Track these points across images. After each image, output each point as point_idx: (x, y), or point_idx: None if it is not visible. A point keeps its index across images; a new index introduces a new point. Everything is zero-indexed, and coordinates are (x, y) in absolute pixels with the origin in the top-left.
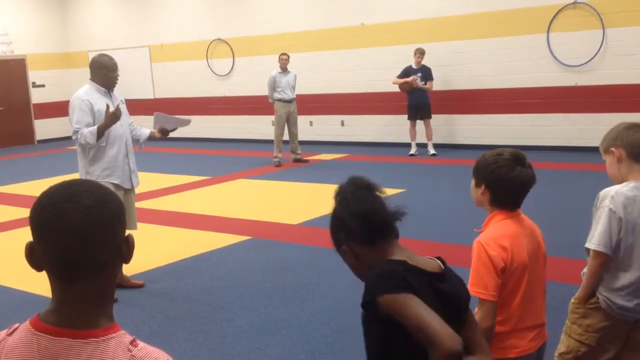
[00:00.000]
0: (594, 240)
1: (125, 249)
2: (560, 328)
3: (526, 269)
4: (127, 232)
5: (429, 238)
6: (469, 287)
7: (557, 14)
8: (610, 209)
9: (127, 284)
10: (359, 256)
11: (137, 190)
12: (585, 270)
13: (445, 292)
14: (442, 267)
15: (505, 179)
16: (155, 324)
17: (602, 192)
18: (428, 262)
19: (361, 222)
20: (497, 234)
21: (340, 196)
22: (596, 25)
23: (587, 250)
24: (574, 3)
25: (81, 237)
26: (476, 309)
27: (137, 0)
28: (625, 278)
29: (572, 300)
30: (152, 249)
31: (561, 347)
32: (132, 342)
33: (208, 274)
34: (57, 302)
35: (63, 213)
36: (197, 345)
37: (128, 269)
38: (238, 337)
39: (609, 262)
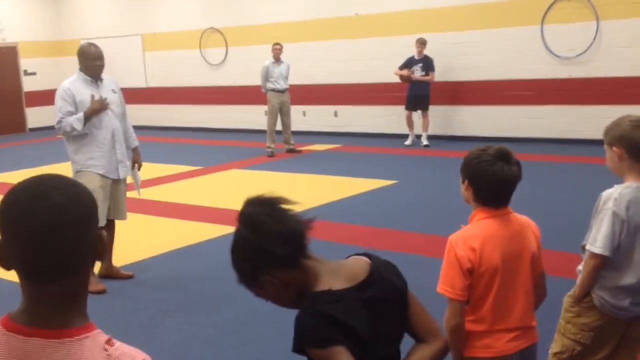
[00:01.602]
0: (598, 244)
1: (99, 247)
2: (552, 322)
3: (497, 272)
4: (117, 221)
5: (419, 230)
6: (438, 284)
7: (551, 5)
8: (614, 212)
9: (116, 275)
10: (289, 282)
11: (128, 180)
12: (580, 267)
13: (376, 298)
14: (369, 266)
15: (485, 174)
16: (145, 316)
17: (605, 194)
18: (353, 270)
19: (285, 244)
20: (469, 234)
21: (248, 221)
22: (590, 17)
23: (583, 247)
24: None
25: (52, 236)
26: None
27: None
28: (621, 278)
29: (566, 298)
30: (142, 239)
31: (555, 347)
32: (107, 342)
33: (199, 265)
34: (28, 302)
35: (33, 211)
36: (188, 337)
37: (117, 260)
38: (230, 328)
39: (607, 263)
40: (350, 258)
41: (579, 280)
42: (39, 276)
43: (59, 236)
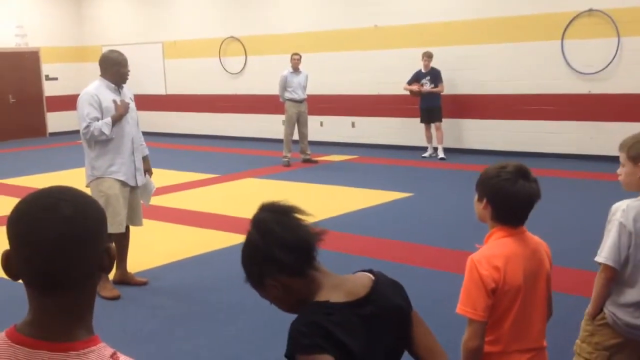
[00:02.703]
0: (603, 254)
1: (107, 260)
2: (568, 341)
3: (520, 292)
4: (132, 228)
5: (434, 244)
6: (458, 305)
7: (572, 20)
8: (621, 223)
9: (131, 281)
10: (292, 289)
11: None
12: None
13: (373, 315)
14: (371, 282)
15: (507, 193)
16: (157, 323)
17: (614, 206)
18: (355, 285)
19: (292, 253)
20: (491, 253)
21: (260, 226)
22: (611, 34)
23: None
24: (589, 10)
25: (60, 249)
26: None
27: None
28: (632, 294)
29: (584, 316)
30: (157, 246)
31: None
32: (112, 355)
33: (212, 274)
34: (34, 314)
35: (42, 223)
36: (198, 346)
37: (132, 266)
38: (239, 338)
39: (617, 276)
40: (356, 273)
41: (592, 295)
42: (46, 288)
43: (67, 248)
